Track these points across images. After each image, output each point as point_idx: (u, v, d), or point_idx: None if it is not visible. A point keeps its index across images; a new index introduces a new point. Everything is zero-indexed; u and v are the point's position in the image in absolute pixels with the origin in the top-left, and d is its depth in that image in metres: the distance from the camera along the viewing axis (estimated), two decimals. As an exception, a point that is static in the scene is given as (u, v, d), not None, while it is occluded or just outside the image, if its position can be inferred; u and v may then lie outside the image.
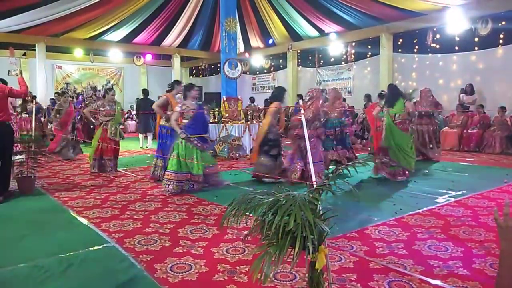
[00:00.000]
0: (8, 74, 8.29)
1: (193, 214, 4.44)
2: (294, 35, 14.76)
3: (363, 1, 11.19)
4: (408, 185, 5.98)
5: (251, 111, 10.56)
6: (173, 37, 16.04)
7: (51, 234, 3.88)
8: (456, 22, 10.32)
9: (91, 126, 10.23)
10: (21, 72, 5.89)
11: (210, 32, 15.84)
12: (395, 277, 2.79)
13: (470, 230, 3.79)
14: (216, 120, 9.65)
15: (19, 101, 8.96)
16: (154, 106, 6.76)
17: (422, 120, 8.55)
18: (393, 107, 6.43)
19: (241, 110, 10.15)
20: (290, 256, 1.65)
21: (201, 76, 20.00)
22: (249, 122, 9.69)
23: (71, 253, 3.29)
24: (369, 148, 9.23)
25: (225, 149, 8.97)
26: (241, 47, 15.95)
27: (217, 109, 9.92)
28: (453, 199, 4.99)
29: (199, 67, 19.78)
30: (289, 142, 6.85)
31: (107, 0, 12.20)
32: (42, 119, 10.17)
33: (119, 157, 7.58)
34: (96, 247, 3.46)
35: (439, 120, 9.59)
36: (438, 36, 11.20)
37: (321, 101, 6.07)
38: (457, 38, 10.78)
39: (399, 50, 12.29)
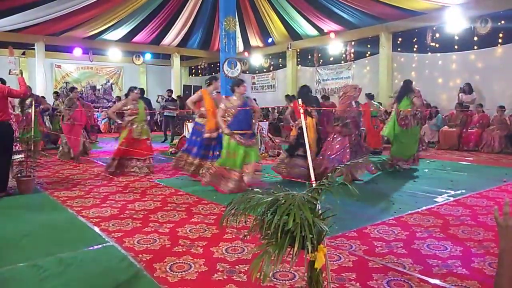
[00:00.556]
0: (9, 73, 8.26)
1: (192, 214, 4.44)
2: (294, 34, 14.75)
3: (363, 0, 11.18)
4: (407, 185, 5.99)
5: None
6: (173, 36, 16.03)
7: (50, 234, 3.87)
8: (455, 21, 10.32)
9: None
10: (21, 72, 5.86)
11: (209, 31, 15.83)
12: (394, 276, 2.79)
13: (469, 229, 3.79)
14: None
15: (17, 101, 8.95)
16: (188, 102, 6.58)
17: None
18: (401, 102, 6.78)
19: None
20: (289, 256, 1.65)
21: (200, 75, 19.98)
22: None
23: (70, 253, 3.29)
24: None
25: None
26: (240, 46, 15.93)
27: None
28: (452, 199, 5.00)
29: (199, 66, 19.77)
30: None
31: (106, -1, 12.20)
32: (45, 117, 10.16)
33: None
34: (95, 247, 3.46)
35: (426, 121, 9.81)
36: (437, 35, 11.21)
37: (353, 99, 6.20)
38: (456, 37, 10.79)
39: (399, 49, 12.30)
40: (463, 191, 5.38)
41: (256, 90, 17.33)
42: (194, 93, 15.40)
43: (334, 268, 2.91)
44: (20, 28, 12.98)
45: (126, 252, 3.29)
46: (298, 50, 15.52)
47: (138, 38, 15.62)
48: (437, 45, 11.31)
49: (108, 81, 18.58)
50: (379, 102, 10.85)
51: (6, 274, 2.92)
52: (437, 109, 10.87)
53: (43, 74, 14.17)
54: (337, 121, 6.10)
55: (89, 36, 14.67)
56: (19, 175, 5.69)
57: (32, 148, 5.90)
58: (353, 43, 13.45)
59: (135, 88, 7.26)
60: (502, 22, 9.87)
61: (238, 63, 11.19)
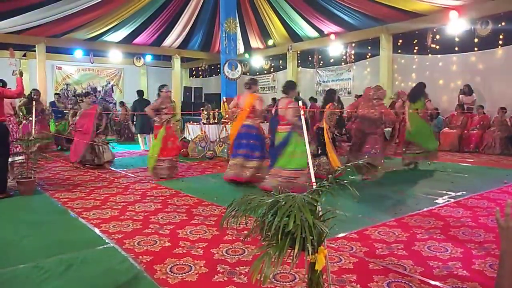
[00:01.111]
0: (12, 74, 8.26)
1: (193, 215, 4.44)
2: (294, 36, 14.75)
3: (363, 2, 11.19)
4: (408, 186, 5.98)
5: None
6: (173, 38, 16.03)
7: (51, 235, 3.88)
8: (455, 23, 10.32)
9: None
10: (21, 73, 5.85)
11: (210, 33, 15.83)
12: (395, 278, 2.79)
13: (470, 231, 3.79)
14: (215, 121, 9.65)
15: (17, 101, 8.94)
16: (230, 106, 6.72)
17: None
18: (415, 103, 7.29)
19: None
20: (289, 257, 1.65)
21: (201, 77, 20.00)
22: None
23: (71, 254, 3.29)
24: None
25: (225, 150, 8.98)
26: (241, 48, 15.95)
27: (217, 110, 9.93)
28: (452, 200, 4.99)
29: (199, 68, 19.77)
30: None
31: (107, 1, 12.20)
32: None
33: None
34: (96, 248, 3.46)
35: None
36: (437, 37, 11.20)
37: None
38: (456, 39, 10.78)
39: (399, 51, 12.29)
40: (464, 192, 5.37)
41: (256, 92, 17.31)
42: (194, 94, 15.25)
43: (335, 269, 2.90)
44: (21, 29, 12.98)
45: (126, 254, 3.29)
46: (298, 52, 15.52)
47: (139, 39, 15.63)
48: (437, 47, 11.30)
49: (109, 83, 18.58)
50: None
51: (7, 275, 2.93)
52: (438, 110, 10.86)
53: (44, 76, 14.16)
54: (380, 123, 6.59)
55: (90, 38, 14.69)
56: (19, 176, 5.70)
57: (33, 150, 5.90)
58: (353, 44, 13.44)
59: (164, 86, 7.09)
60: (503, 23, 9.86)
61: (238, 65, 11.22)
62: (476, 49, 10.53)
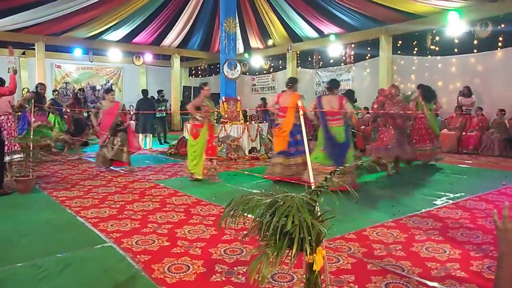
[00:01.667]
0: (8, 72, 8.24)
1: (191, 215, 4.44)
2: (294, 36, 14.76)
3: (363, 3, 11.20)
4: (407, 187, 5.99)
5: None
6: (173, 37, 16.03)
7: (49, 233, 3.87)
8: (455, 25, 10.33)
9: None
10: (15, 71, 5.81)
11: (209, 32, 15.83)
12: (393, 279, 2.79)
13: (468, 232, 3.79)
14: (215, 121, 9.62)
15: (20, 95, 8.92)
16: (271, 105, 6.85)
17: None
18: (430, 103, 7.96)
19: (240, 111, 10.17)
20: (288, 257, 1.65)
21: (200, 76, 19.99)
22: (247, 123, 9.70)
23: (69, 253, 3.29)
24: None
25: (224, 150, 8.97)
26: (240, 47, 15.95)
27: (216, 109, 9.90)
28: (451, 201, 5.00)
29: (199, 68, 19.77)
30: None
31: (107, 0, 12.19)
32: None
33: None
34: (94, 247, 3.45)
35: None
36: (437, 38, 11.22)
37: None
38: (456, 41, 10.80)
39: (399, 52, 12.30)
40: (462, 194, 5.38)
41: (256, 92, 17.34)
42: (193, 94, 15.22)
43: (333, 270, 2.90)
44: (20, 28, 12.96)
45: (124, 253, 3.29)
46: (298, 52, 15.52)
47: (138, 38, 15.62)
48: (437, 48, 11.31)
49: (108, 82, 18.56)
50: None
51: (5, 274, 2.92)
52: (437, 112, 10.86)
53: (43, 74, 14.13)
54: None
55: (90, 37, 14.68)
56: (18, 175, 5.69)
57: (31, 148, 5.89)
58: (353, 45, 13.45)
59: (206, 84, 6.82)
60: (502, 25, 9.87)
61: (238, 65, 11.20)
62: (475, 51, 10.54)
